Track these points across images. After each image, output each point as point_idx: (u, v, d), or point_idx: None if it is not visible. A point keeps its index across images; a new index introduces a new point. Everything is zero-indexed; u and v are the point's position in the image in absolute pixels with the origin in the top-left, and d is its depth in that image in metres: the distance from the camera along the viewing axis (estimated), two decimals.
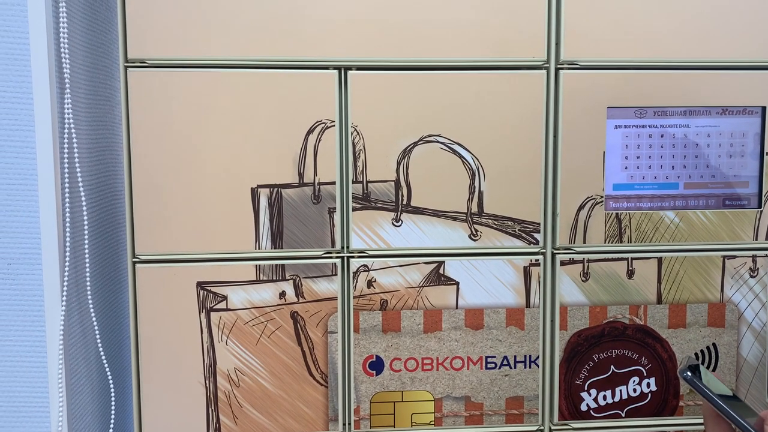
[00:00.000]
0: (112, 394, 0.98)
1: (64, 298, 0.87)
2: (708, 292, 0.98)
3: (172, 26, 0.89)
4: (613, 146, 0.96)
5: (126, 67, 0.89)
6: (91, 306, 0.93)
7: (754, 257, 0.98)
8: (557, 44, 0.93)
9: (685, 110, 0.96)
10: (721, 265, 0.98)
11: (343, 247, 0.94)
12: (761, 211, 0.98)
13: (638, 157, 0.97)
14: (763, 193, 0.97)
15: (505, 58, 0.93)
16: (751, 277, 0.99)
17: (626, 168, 0.97)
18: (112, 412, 0.98)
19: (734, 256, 0.98)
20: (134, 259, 0.91)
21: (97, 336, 0.95)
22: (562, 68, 0.94)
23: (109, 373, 0.97)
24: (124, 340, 1.12)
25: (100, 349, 0.95)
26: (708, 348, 0.99)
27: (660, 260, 0.97)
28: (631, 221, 0.97)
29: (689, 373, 0.66)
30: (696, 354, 0.99)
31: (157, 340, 0.92)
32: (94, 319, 0.94)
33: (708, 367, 1.00)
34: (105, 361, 0.96)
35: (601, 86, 0.94)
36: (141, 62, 0.89)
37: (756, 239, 0.98)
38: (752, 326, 0.99)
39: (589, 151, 0.95)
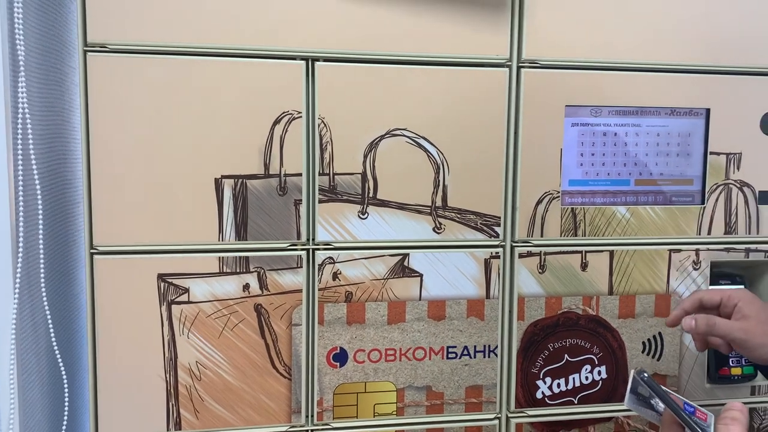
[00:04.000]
0: (66, 390, 0.94)
1: (17, 290, 0.83)
2: (655, 284, 1.04)
3: (135, 10, 0.86)
4: (570, 143, 1.00)
5: (85, 52, 0.86)
6: (44, 299, 0.89)
7: (697, 251, 1.04)
8: (519, 43, 0.96)
9: (636, 110, 1.01)
10: (667, 259, 1.03)
11: (308, 240, 0.94)
12: (704, 208, 1.04)
13: (593, 155, 1.01)
14: (706, 191, 1.03)
15: (470, 55, 0.95)
16: (694, 269, 1.05)
17: (581, 165, 1.01)
18: (65, 408, 0.94)
19: (679, 250, 1.04)
20: (92, 251, 0.88)
21: (51, 330, 0.91)
22: (523, 66, 0.96)
23: (63, 369, 0.93)
24: (74, 334, 1.08)
25: (54, 343, 0.92)
26: (654, 337, 1.05)
27: (612, 253, 1.02)
28: (585, 216, 1.01)
29: (646, 374, 0.71)
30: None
31: (115, 334, 0.89)
32: (47, 312, 0.90)
33: (653, 356, 1.05)
34: (59, 356, 0.93)
35: (560, 85, 0.98)
36: (102, 47, 0.86)
37: (699, 234, 1.04)
38: None
39: (548, 147, 0.99)
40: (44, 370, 0.96)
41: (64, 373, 0.94)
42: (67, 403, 0.95)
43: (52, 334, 0.91)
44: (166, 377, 0.92)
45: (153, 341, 0.91)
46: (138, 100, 0.87)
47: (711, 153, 1.03)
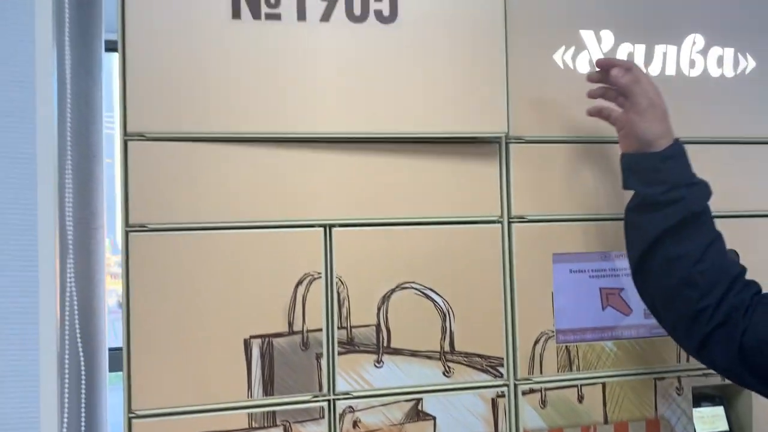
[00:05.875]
0: None
1: None
2: (645, 411, 1.13)
3: (170, 192, 0.96)
4: (560, 286, 1.11)
5: (127, 232, 0.95)
6: None
7: (678, 378, 1.15)
8: (509, 202, 1.09)
9: (612, 255, 1.14)
10: (653, 387, 1.13)
11: (329, 390, 1.01)
12: None
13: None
14: None
15: (467, 214, 1.07)
16: (678, 394, 1.14)
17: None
18: None
19: (663, 378, 1.14)
20: (131, 415, 0.93)
21: None
22: (513, 222, 1.09)
23: None
24: None
25: None
26: None
27: (604, 385, 1.11)
28: (578, 352, 1.11)
29: None
30: None
31: None
32: None
33: None
34: None
35: (547, 236, 1.10)
36: (141, 227, 0.95)
37: (679, 362, 1.15)
38: None
39: (541, 291, 1.10)
40: None
41: None
42: None
43: None
44: None
45: None
46: (173, 271, 0.96)
47: None
